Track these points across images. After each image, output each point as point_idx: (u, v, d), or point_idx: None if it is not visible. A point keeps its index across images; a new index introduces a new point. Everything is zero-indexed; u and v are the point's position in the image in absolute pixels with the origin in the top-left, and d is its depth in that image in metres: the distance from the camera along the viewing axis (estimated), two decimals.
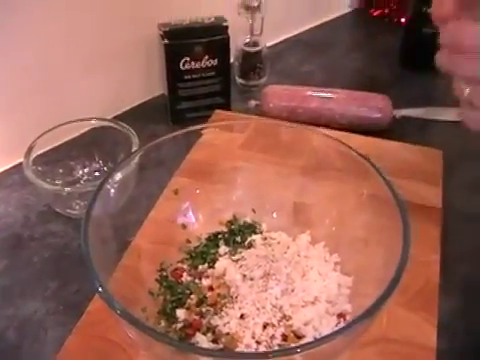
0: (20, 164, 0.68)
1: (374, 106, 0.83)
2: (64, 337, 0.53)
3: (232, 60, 0.91)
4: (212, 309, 0.52)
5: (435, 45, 0.49)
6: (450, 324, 0.55)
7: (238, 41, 0.92)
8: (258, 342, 0.48)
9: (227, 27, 0.82)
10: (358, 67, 1.04)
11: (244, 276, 0.54)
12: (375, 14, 1.25)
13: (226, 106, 0.86)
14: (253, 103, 0.87)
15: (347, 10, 1.27)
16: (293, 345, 0.48)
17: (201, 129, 0.61)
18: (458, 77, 0.49)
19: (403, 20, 1.16)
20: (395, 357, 0.51)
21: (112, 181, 0.53)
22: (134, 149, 0.68)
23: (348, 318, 0.51)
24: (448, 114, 0.85)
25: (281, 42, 1.11)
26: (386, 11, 1.24)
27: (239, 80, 0.95)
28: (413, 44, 1.02)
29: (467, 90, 0.48)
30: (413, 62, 1.02)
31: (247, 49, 0.93)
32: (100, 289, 0.41)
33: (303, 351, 0.37)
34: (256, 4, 0.89)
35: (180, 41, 0.80)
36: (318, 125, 0.79)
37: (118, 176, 0.54)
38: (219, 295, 0.53)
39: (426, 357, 0.51)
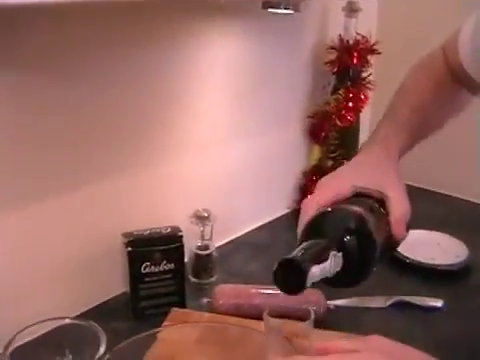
0: None
1: (309, 300, 0.95)
2: None
3: (186, 261, 1.04)
4: None
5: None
6: None
7: (191, 245, 1.06)
8: None
9: (182, 236, 0.96)
10: None
11: None
12: None
13: (181, 304, 0.97)
14: (205, 301, 0.99)
15: (285, 211, 1.43)
16: None
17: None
18: None
19: None
20: None
21: None
22: (101, 344, 0.77)
23: None
24: (375, 302, 1.02)
25: (228, 243, 1.24)
26: None
27: (192, 279, 1.07)
28: None
29: None
30: None
31: (199, 252, 1.07)
32: None
33: None
34: (206, 215, 1.05)
35: (141, 249, 0.93)
36: (262, 319, 0.91)
37: None
38: None
39: None
